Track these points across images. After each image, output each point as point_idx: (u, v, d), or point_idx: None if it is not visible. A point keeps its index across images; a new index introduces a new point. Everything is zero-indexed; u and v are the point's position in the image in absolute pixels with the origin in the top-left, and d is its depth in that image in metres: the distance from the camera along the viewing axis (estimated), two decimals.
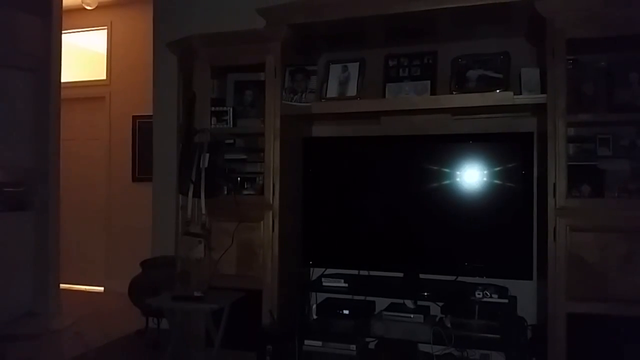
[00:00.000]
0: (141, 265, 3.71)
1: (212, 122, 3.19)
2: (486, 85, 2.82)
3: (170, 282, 3.24)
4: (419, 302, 2.92)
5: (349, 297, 3.07)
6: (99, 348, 3.52)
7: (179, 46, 3.31)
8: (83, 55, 5.69)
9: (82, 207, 5.52)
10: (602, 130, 2.69)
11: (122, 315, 4.17)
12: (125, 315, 4.08)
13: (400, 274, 3.06)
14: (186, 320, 3.06)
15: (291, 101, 3.12)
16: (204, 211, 3.02)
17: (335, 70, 3.16)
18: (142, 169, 5.14)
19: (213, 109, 3.21)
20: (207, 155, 3.06)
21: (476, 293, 2.72)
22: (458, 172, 2.93)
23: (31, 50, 4.26)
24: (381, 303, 3.06)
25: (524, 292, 2.90)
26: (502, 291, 2.76)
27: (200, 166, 3.04)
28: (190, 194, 3.04)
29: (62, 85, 4.52)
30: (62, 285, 4.56)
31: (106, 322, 4.15)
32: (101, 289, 5.42)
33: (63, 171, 4.53)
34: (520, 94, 2.73)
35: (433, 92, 2.98)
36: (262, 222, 3.03)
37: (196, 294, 2.86)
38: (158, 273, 3.48)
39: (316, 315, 3.10)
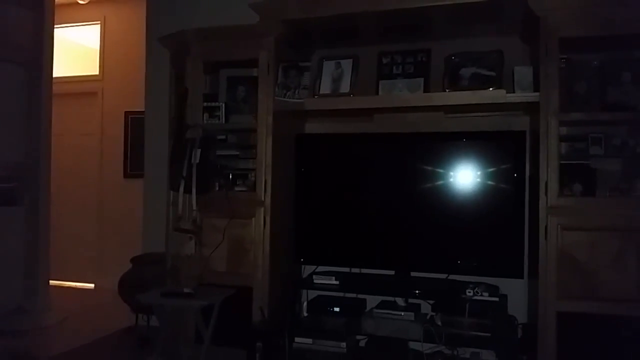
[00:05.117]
0: (131, 262, 3.68)
1: (204, 118, 3.18)
2: (479, 83, 2.81)
3: (161, 279, 3.22)
4: (410, 300, 2.92)
5: (340, 294, 3.06)
6: (88, 344, 3.49)
7: (172, 41, 3.28)
8: (76, 50, 5.65)
9: (73, 203, 5.48)
10: (595, 130, 2.69)
11: (112, 312, 4.15)
12: (115, 312, 4.05)
13: (392, 272, 3.05)
14: (176, 317, 3.05)
15: (284, 97, 3.11)
16: (194, 207, 3.00)
17: (328, 66, 3.14)
18: (134, 165, 5.11)
19: (205, 104, 3.19)
20: (199, 150, 3.04)
21: (467, 291, 2.72)
22: (450, 171, 2.92)
23: (22, 44, 4.21)
24: (372, 301, 3.05)
25: (515, 290, 2.89)
26: (492, 289, 2.76)
27: (192, 162, 3.02)
28: (182, 189, 3.02)
29: (54, 80, 4.48)
30: (53, 282, 4.53)
31: (96, 319, 4.13)
32: (92, 285, 5.38)
33: (54, 167, 4.49)
34: (513, 92, 2.72)
35: (426, 89, 2.96)
36: (253, 218, 3.01)
37: (186, 290, 2.84)
38: (148, 269, 3.47)
39: (307, 312, 3.09)
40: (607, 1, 2.51)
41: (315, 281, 3.05)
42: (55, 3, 4.46)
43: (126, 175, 5.28)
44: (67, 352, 3.35)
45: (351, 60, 3.11)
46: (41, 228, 4.30)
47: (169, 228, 3.22)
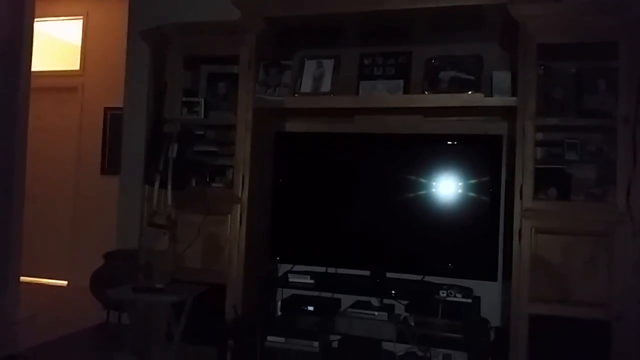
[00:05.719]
0: (104, 257, 3.62)
1: (183, 113, 3.14)
2: (458, 86, 2.83)
3: (133, 275, 3.16)
4: (385, 301, 2.91)
5: (316, 294, 3.03)
6: (55, 341, 3.41)
7: (152, 35, 3.25)
8: (56, 45, 5.58)
9: (49, 199, 5.38)
10: (570, 135, 2.72)
11: (83, 309, 4.06)
12: (87, 308, 3.97)
13: (368, 273, 3.04)
14: (147, 314, 2.99)
15: (264, 95, 3.08)
16: (170, 202, 2.96)
17: (309, 65, 3.14)
18: (111, 161, 5.04)
19: (185, 99, 3.16)
20: (176, 145, 3.00)
21: (440, 292, 2.72)
22: (427, 173, 2.93)
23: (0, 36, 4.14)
24: (347, 301, 3.03)
25: (489, 293, 2.90)
26: (466, 291, 2.77)
27: (169, 156, 2.98)
28: (157, 184, 2.98)
29: (33, 74, 4.39)
30: (25, 279, 4.42)
31: (66, 315, 4.04)
32: (65, 282, 5.28)
33: (29, 161, 4.40)
34: (492, 96, 2.74)
35: (406, 91, 2.96)
36: (229, 215, 2.98)
37: (157, 286, 2.79)
38: (120, 265, 3.40)
39: (281, 311, 3.06)
40: (585, 10, 2.55)
41: (290, 280, 3.03)
42: None
43: (103, 172, 5.20)
44: (32, 347, 3.26)
45: (333, 60, 3.11)
46: (13, 223, 4.21)
47: (143, 223, 3.17)
